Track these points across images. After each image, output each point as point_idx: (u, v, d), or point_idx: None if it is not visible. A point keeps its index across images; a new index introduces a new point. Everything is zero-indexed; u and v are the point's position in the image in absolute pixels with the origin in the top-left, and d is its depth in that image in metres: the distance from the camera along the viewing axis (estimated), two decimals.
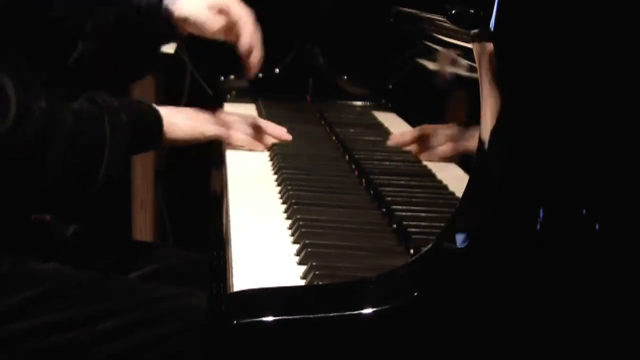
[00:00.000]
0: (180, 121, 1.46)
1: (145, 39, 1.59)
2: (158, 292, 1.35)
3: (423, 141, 1.50)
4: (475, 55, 0.83)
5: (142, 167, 2.50)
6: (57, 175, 1.27)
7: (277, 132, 1.60)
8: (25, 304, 1.27)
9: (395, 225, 1.12)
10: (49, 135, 1.24)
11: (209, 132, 1.50)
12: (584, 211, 0.77)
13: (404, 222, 1.10)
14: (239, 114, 1.63)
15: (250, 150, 1.57)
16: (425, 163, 1.44)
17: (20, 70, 1.28)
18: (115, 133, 1.32)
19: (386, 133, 1.71)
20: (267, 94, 2.07)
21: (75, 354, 1.26)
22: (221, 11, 1.49)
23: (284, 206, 1.22)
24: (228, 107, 1.87)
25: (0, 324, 1.24)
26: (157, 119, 1.42)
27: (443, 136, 1.44)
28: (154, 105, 1.45)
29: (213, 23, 1.49)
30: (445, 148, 1.42)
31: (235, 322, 0.77)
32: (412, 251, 1.03)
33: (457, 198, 1.17)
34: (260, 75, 2.12)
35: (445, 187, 1.30)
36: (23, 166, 1.24)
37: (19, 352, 1.24)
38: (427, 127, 1.50)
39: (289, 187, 1.28)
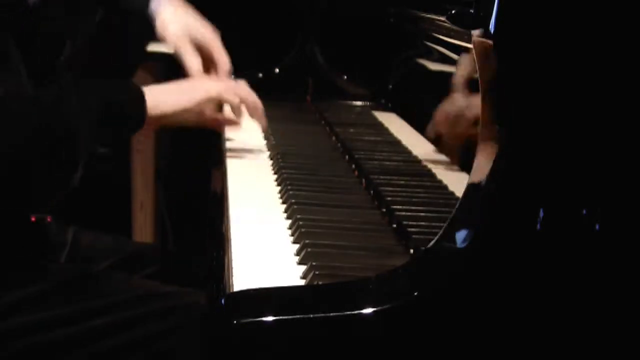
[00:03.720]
0: (166, 94, 1.43)
1: (130, 39, 1.61)
2: (157, 290, 1.35)
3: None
4: (475, 55, 0.83)
5: (142, 167, 2.50)
6: (30, 167, 1.23)
7: (257, 113, 1.58)
8: (24, 299, 1.27)
9: (395, 225, 1.12)
10: (10, 127, 1.21)
11: (197, 97, 1.45)
12: (584, 211, 0.77)
13: (404, 222, 1.10)
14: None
15: (250, 150, 1.57)
16: (425, 163, 1.43)
17: None
18: (82, 114, 1.28)
19: (386, 133, 1.71)
20: (267, 94, 2.06)
21: (74, 349, 1.27)
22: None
23: (284, 206, 1.22)
24: (228, 106, 1.87)
25: (3, 318, 1.25)
26: (138, 95, 1.38)
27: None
28: (135, 83, 1.42)
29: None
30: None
31: (235, 322, 0.77)
32: (412, 251, 1.03)
33: (457, 198, 1.17)
34: (260, 75, 2.13)
35: (445, 187, 1.30)
36: None
37: (19, 347, 1.25)
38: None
39: (289, 187, 1.28)
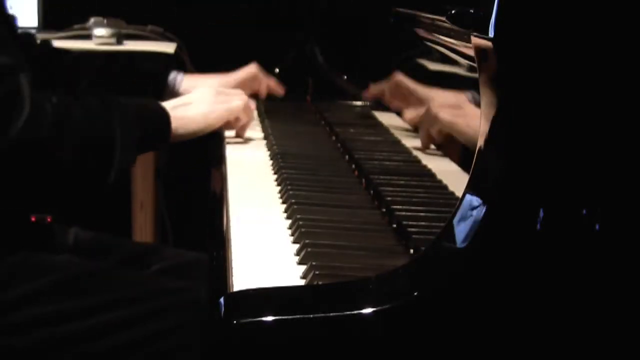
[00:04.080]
0: (190, 121, 1.49)
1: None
2: (157, 290, 1.35)
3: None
4: (475, 55, 0.83)
5: (142, 167, 2.50)
6: (70, 170, 1.29)
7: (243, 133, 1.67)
8: (24, 298, 1.27)
9: (395, 225, 1.12)
10: (61, 131, 1.26)
11: (218, 121, 1.55)
12: (584, 211, 0.77)
13: (404, 222, 1.10)
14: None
15: (250, 150, 1.58)
16: (425, 162, 1.44)
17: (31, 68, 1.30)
18: (124, 127, 1.34)
19: (386, 133, 1.71)
20: (267, 94, 2.07)
21: (73, 348, 1.27)
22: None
23: (284, 206, 1.22)
24: None
25: (9, 313, 1.25)
26: (165, 115, 1.44)
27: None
28: (160, 103, 1.48)
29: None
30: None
31: (235, 322, 0.77)
32: (412, 251, 1.03)
33: (457, 198, 1.17)
34: None
35: (445, 187, 1.30)
36: (38, 162, 1.26)
37: (18, 345, 1.25)
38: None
39: (289, 187, 1.28)
